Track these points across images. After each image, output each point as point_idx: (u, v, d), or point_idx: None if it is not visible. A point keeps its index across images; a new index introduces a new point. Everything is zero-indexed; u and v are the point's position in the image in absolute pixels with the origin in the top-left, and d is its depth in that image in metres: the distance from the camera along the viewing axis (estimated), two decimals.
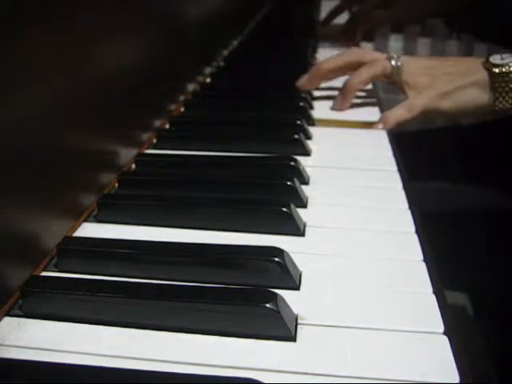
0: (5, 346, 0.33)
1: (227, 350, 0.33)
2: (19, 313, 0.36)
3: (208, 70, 0.87)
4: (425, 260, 0.41)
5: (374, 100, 0.80)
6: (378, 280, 0.39)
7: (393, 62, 0.72)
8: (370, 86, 0.85)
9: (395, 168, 0.57)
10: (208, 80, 0.86)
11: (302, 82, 0.78)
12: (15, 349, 0.33)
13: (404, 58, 0.74)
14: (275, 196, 0.48)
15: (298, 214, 0.46)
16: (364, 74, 0.73)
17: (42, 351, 0.32)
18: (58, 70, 0.41)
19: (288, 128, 0.64)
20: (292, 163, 0.54)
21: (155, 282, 0.37)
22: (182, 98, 0.73)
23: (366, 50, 0.80)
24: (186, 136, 0.63)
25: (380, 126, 0.70)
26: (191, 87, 0.78)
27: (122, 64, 0.53)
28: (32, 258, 0.39)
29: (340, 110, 0.76)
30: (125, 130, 0.55)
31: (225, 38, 1.00)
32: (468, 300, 0.88)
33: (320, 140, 0.65)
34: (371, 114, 0.74)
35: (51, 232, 0.41)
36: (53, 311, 0.35)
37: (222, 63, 0.94)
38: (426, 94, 0.71)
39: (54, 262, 0.40)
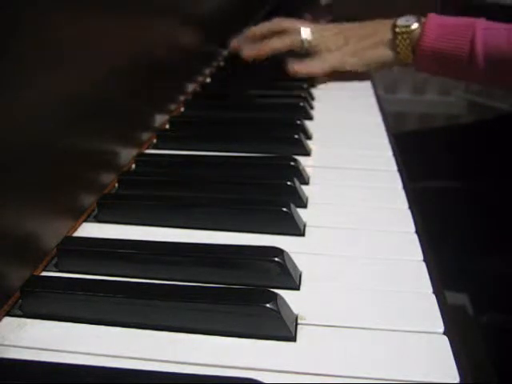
0: (5, 346, 0.33)
1: (227, 350, 0.33)
2: (19, 313, 0.36)
3: (208, 70, 0.88)
4: (425, 260, 0.41)
5: (373, 100, 0.80)
6: (377, 280, 0.39)
7: (303, 36, 0.83)
8: (369, 86, 0.85)
9: (395, 168, 0.57)
10: (208, 80, 0.86)
11: (234, 42, 0.90)
12: (15, 349, 0.33)
13: (314, 27, 0.84)
14: (275, 196, 0.48)
15: (298, 213, 0.46)
16: (275, 42, 0.84)
17: (41, 351, 0.33)
18: (58, 70, 0.41)
19: (288, 128, 0.64)
20: (292, 163, 0.54)
21: (155, 282, 0.37)
22: (182, 98, 0.73)
23: (285, 20, 0.87)
24: (186, 136, 0.63)
25: (290, 68, 0.82)
26: (191, 87, 0.78)
27: (122, 64, 0.53)
28: (32, 258, 0.39)
29: (244, 53, 0.86)
30: (125, 130, 0.55)
31: (225, 38, 1.00)
32: (468, 300, 0.88)
33: (320, 140, 0.65)
34: (371, 113, 0.74)
35: (51, 232, 0.41)
36: (53, 311, 0.35)
37: (222, 63, 0.94)
38: (335, 54, 0.82)
39: (54, 261, 0.41)
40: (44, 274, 0.40)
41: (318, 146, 0.63)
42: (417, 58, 0.79)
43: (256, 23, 0.91)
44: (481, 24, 0.75)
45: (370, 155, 0.60)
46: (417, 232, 0.45)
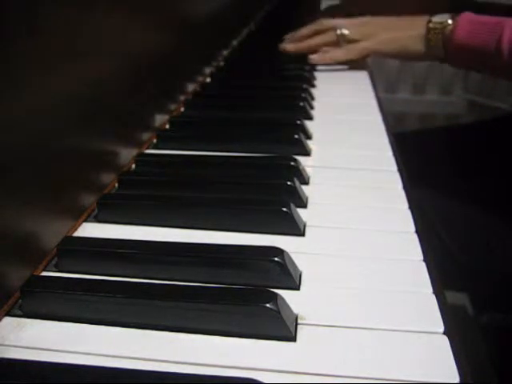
0: (5, 346, 0.33)
1: (227, 349, 0.33)
2: (19, 313, 0.36)
3: (208, 70, 0.88)
4: (425, 260, 0.41)
5: (373, 100, 0.80)
6: (378, 280, 0.39)
7: (338, 32, 0.92)
8: (369, 86, 0.86)
9: (395, 168, 0.57)
10: (208, 80, 0.86)
11: (284, 47, 0.99)
12: (15, 349, 0.33)
13: (353, 21, 0.93)
14: (275, 196, 0.48)
15: (298, 213, 0.46)
16: (316, 40, 0.95)
17: (41, 351, 0.33)
18: (58, 70, 0.41)
19: (288, 128, 0.64)
20: (292, 163, 0.54)
21: (155, 282, 0.37)
22: (182, 97, 0.73)
23: (328, 21, 0.97)
24: (186, 136, 0.63)
25: (316, 57, 0.93)
26: (191, 87, 0.78)
27: (122, 64, 0.53)
28: (32, 258, 0.39)
29: (287, 49, 0.97)
30: (125, 130, 0.55)
31: (225, 38, 1.00)
32: (468, 300, 0.88)
33: (320, 140, 0.65)
34: (371, 113, 0.74)
35: (51, 232, 0.41)
36: (53, 311, 0.35)
37: (222, 63, 0.94)
38: (370, 40, 0.90)
39: (54, 262, 0.41)
40: (44, 274, 0.40)
41: (318, 146, 0.63)
42: (448, 52, 0.84)
43: (256, 23, 0.93)
44: (510, 22, 0.78)
45: (369, 155, 0.60)
46: (417, 232, 0.45)
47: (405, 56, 0.92)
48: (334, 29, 0.92)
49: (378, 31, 0.90)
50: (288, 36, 1.01)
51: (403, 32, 0.89)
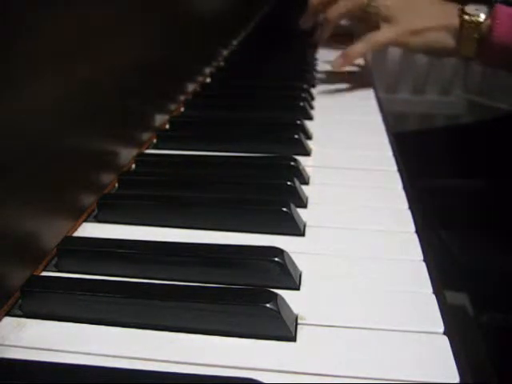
0: (5, 346, 0.33)
1: (227, 350, 0.33)
2: (19, 313, 0.36)
3: (208, 70, 0.88)
4: (425, 260, 0.41)
5: (373, 100, 0.80)
6: (378, 280, 0.39)
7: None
8: (369, 86, 0.85)
9: (395, 168, 0.57)
10: (208, 80, 0.86)
11: (303, 20, 0.95)
12: (15, 349, 0.33)
13: None
14: (275, 196, 0.48)
15: (298, 213, 0.46)
16: (340, 6, 0.83)
17: (42, 351, 0.33)
18: (58, 70, 0.41)
19: (288, 128, 0.64)
20: (292, 163, 0.54)
21: (155, 282, 0.37)
22: (182, 98, 0.73)
23: None
24: (186, 136, 0.63)
25: (340, 60, 0.80)
26: (191, 87, 0.78)
27: (122, 64, 0.53)
28: (32, 258, 0.39)
29: (321, 40, 0.91)
30: (125, 130, 0.55)
31: (225, 38, 1.00)
32: (468, 300, 0.88)
33: (320, 140, 0.65)
34: (371, 113, 0.74)
35: (51, 232, 0.41)
36: (53, 311, 0.35)
37: (222, 63, 0.94)
38: (395, 29, 0.77)
39: (54, 262, 0.41)
40: (44, 274, 0.40)
41: (318, 146, 0.63)
42: (484, 51, 0.75)
43: (256, 23, 0.92)
44: None
45: (370, 155, 0.60)
46: (417, 232, 0.45)
47: (431, 52, 0.80)
48: None
49: (409, 15, 0.77)
50: (303, 17, 0.94)
51: (434, 21, 0.76)
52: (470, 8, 0.75)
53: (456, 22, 0.75)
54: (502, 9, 0.73)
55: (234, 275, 0.38)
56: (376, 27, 0.79)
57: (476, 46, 0.75)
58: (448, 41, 0.76)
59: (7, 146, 0.35)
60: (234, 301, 0.34)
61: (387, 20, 0.78)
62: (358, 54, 0.80)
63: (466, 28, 0.74)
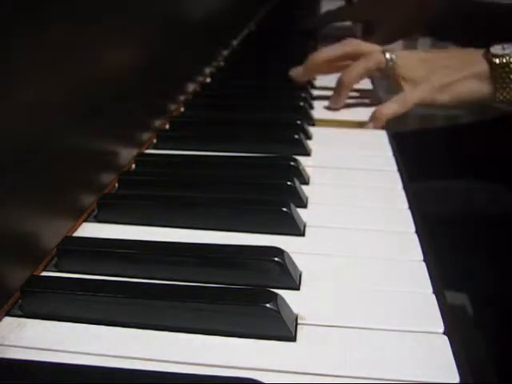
0: (5, 346, 0.33)
1: (227, 349, 0.33)
2: (19, 313, 0.36)
3: (208, 70, 0.88)
4: (425, 260, 0.41)
5: (374, 101, 0.80)
6: (378, 280, 0.39)
7: (387, 55, 0.71)
8: (370, 87, 0.85)
9: (395, 168, 0.57)
10: (208, 80, 0.86)
11: (297, 72, 0.78)
12: (15, 349, 0.33)
13: (400, 52, 0.73)
14: (275, 196, 0.48)
15: (298, 213, 0.46)
16: (358, 67, 0.72)
17: (42, 351, 0.32)
18: (58, 70, 0.41)
19: (288, 128, 0.64)
20: (292, 163, 0.54)
21: (155, 282, 0.37)
22: (182, 98, 0.73)
23: (361, 42, 0.77)
24: (186, 136, 0.63)
25: (371, 124, 0.69)
26: (191, 87, 0.78)
27: (122, 64, 0.53)
28: (32, 257, 0.39)
29: (336, 107, 0.75)
30: (125, 130, 0.55)
31: (225, 38, 1.00)
32: (468, 300, 0.88)
33: (320, 140, 0.65)
34: (371, 113, 0.74)
35: (51, 232, 0.41)
36: (53, 311, 0.35)
37: (222, 63, 0.94)
38: (422, 87, 0.70)
39: (54, 262, 0.40)
40: (44, 274, 0.40)
41: (318, 146, 0.63)
42: None
43: (256, 23, 0.91)
44: None
45: (369, 155, 0.60)
46: (417, 232, 0.45)
47: (465, 103, 0.72)
48: (379, 52, 0.72)
49: (429, 73, 0.71)
50: (305, 64, 0.78)
51: (459, 72, 0.70)
52: (496, 49, 0.68)
53: (484, 67, 0.69)
54: None
55: (234, 275, 0.38)
56: (397, 84, 0.73)
57: None
58: (478, 88, 0.70)
59: (7, 146, 0.35)
60: (233, 301, 0.34)
61: (410, 81, 0.71)
62: (389, 115, 0.70)
63: (497, 72, 0.67)
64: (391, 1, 1.05)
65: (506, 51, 0.67)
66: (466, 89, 0.70)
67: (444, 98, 0.70)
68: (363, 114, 0.74)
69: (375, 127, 0.69)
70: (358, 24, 1.20)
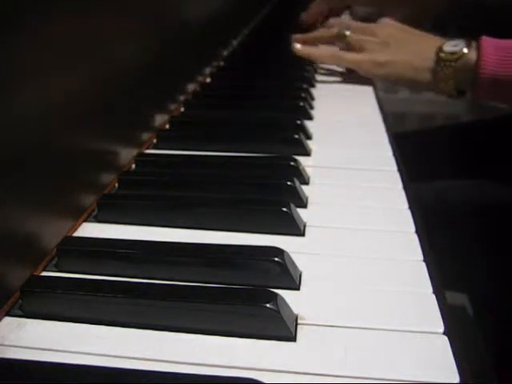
0: (5, 346, 0.33)
1: (227, 349, 0.33)
2: (19, 313, 0.36)
3: (208, 70, 0.88)
4: (425, 260, 0.41)
5: (373, 100, 0.80)
6: (377, 280, 0.39)
7: (340, 30, 0.85)
8: (370, 89, 0.85)
9: (395, 168, 0.57)
10: (208, 80, 0.86)
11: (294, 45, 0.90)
12: (15, 349, 0.33)
13: (360, 25, 0.86)
14: (275, 196, 0.48)
15: (298, 213, 0.46)
16: (321, 31, 0.92)
17: (42, 351, 0.33)
18: (58, 70, 0.41)
19: (288, 128, 0.64)
20: (292, 163, 0.54)
21: (155, 281, 0.37)
22: (182, 97, 0.73)
23: (336, 20, 0.95)
24: (186, 136, 0.63)
25: (298, 46, 0.87)
26: (191, 87, 0.78)
27: (122, 64, 0.53)
28: (32, 258, 0.39)
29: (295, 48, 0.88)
30: (125, 129, 0.55)
31: (225, 38, 1.00)
32: (468, 300, 0.88)
33: (320, 140, 0.65)
34: (371, 113, 0.74)
35: (51, 232, 0.41)
36: (53, 311, 0.35)
37: (222, 63, 0.94)
38: (364, 55, 0.80)
39: (54, 262, 0.41)
40: (44, 274, 0.40)
41: (318, 145, 0.63)
42: (476, 86, 0.73)
43: (256, 23, 0.92)
44: None
45: (369, 155, 0.60)
46: (417, 232, 0.45)
47: (398, 83, 0.82)
48: (339, 26, 0.86)
49: (378, 48, 0.80)
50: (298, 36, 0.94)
51: (405, 56, 0.77)
52: (448, 45, 0.74)
53: (432, 56, 0.74)
54: (486, 41, 0.72)
55: (234, 275, 0.38)
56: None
57: (452, 82, 0.74)
58: (418, 76, 0.76)
59: (7, 146, 0.35)
60: (233, 301, 0.34)
61: (360, 50, 0.82)
62: (319, 58, 0.87)
63: (441, 66, 0.73)
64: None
65: (456, 48, 0.73)
66: (406, 73, 0.77)
67: (382, 72, 0.79)
68: (363, 113, 0.74)
69: (299, 50, 0.86)
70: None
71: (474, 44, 0.73)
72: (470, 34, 0.76)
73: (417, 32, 0.81)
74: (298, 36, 0.93)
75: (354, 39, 0.84)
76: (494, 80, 0.71)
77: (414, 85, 0.81)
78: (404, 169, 0.57)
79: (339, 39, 0.86)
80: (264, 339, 0.33)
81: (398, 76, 0.78)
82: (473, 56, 0.72)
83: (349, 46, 0.84)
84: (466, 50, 0.72)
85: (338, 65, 0.88)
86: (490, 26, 0.87)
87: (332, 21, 0.93)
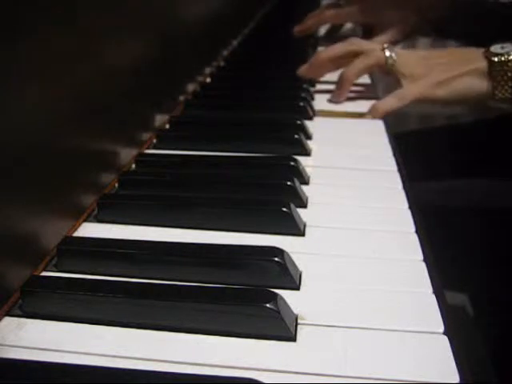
0: (5, 346, 0.33)
1: (227, 350, 0.33)
2: (19, 313, 0.36)
3: (208, 70, 0.88)
4: (425, 260, 0.41)
5: (373, 101, 0.79)
6: (378, 280, 0.39)
7: (387, 53, 0.74)
8: (368, 81, 0.85)
9: (395, 168, 0.57)
10: (208, 80, 0.86)
11: (303, 70, 0.81)
12: (15, 349, 0.33)
13: (399, 50, 0.75)
14: (275, 196, 0.48)
15: (298, 213, 0.46)
16: (359, 64, 0.75)
17: (42, 351, 0.33)
18: (58, 70, 0.41)
19: (288, 128, 0.64)
20: (292, 163, 0.54)
21: (155, 282, 0.37)
22: (182, 98, 0.73)
23: (362, 40, 0.81)
24: (186, 136, 0.63)
25: (369, 115, 0.72)
26: (191, 87, 0.78)
27: (122, 64, 0.53)
28: (32, 257, 0.39)
29: (338, 101, 0.78)
30: (125, 130, 0.55)
31: (225, 38, 1.00)
32: (468, 300, 0.88)
33: (320, 140, 0.65)
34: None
35: (51, 232, 0.41)
36: (53, 311, 0.35)
37: (222, 63, 0.94)
38: (420, 82, 0.72)
39: (54, 262, 0.41)
40: (44, 273, 0.40)
41: (318, 145, 0.63)
42: None
43: (256, 23, 0.91)
44: None
45: (369, 155, 0.60)
46: (417, 232, 0.45)
47: (463, 100, 0.74)
48: (379, 50, 0.74)
49: (427, 71, 0.72)
50: (309, 62, 0.82)
51: (459, 68, 0.71)
52: (496, 48, 0.70)
53: (483, 64, 0.70)
54: None
55: (233, 275, 0.38)
56: (397, 81, 0.74)
57: (510, 87, 0.69)
58: (477, 85, 0.71)
59: (7, 146, 0.35)
60: (233, 301, 0.34)
61: (409, 77, 0.73)
62: (387, 109, 0.73)
63: (496, 69, 0.69)
64: (390, 3, 1.05)
65: (505, 50, 0.69)
66: (464, 85, 0.71)
67: (442, 93, 0.72)
68: (363, 107, 0.74)
69: (373, 118, 0.72)
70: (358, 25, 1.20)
71: None
72: (474, 39, 0.75)
73: (442, 49, 0.78)
74: (309, 71, 0.81)
75: (403, 66, 0.73)
76: None
77: (476, 97, 0.73)
78: (404, 169, 0.57)
79: (390, 64, 0.74)
80: (264, 339, 0.33)
81: (462, 90, 0.72)
82: None
83: (395, 72, 0.74)
84: None
85: (403, 107, 0.74)
86: (493, 31, 0.87)
87: (365, 45, 0.79)
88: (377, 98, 0.78)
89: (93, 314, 0.35)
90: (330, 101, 0.78)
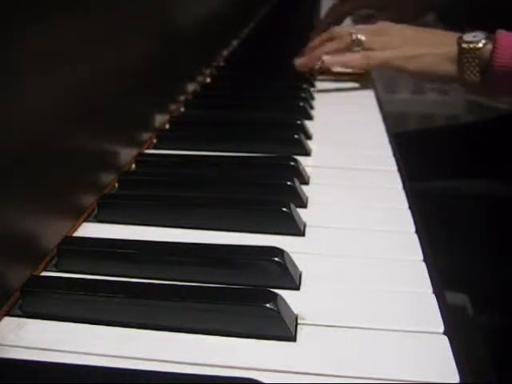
0: (5, 345, 0.33)
1: (227, 349, 0.33)
2: (19, 313, 0.36)
3: (208, 70, 0.88)
4: (425, 260, 0.41)
5: (373, 100, 0.80)
6: (377, 280, 0.39)
7: (353, 36, 0.81)
8: (369, 85, 0.85)
9: (395, 168, 0.57)
10: (208, 80, 0.86)
11: (299, 62, 0.87)
12: (15, 349, 0.33)
13: (370, 28, 0.83)
14: (275, 196, 0.48)
15: (298, 213, 0.46)
16: (328, 48, 0.84)
17: (42, 351, 0.32)
18: (58, 70, 0.41)
19: (288, 128, 0.64)
20: (292, 163, 0.54)
21: (155, 282, 0.37)
22: (181, 98, 0.73)
23: (337, 28, 0.89)
24: (186, 136, 0.63)
25: (327, 58, 0.82)
26: (191, 87, 0.78)
27: (122, 64, 0.53)
28: (32, 257, 0.39)
29: (298, 64, 0.86)
30: (125, 130, 0.55)
31: (225, 38, 1.00)
32: (468, 300, 0.88)
33: (320, 140, 0.65)
34: (371, 113, 0.74)
35: (51, 232, 0.41)
36: (53, 311, 0.35)
37: (222, 63, 0.94)
38: (391, 51, 0.79)
39: (54, 262, 0.41)
40: (44, 273, 0.40)
41: (318, 145, 0.63)
42: (488, 78, 0.74)
43: (256, 23, 0.91)
44: None
45: (369, 155, 0.60)
46: (417, 232, 0.45)
47: (430, 77, 0.81)
48: (349, 34, 0.82)
49: (401, 44, 0.79)
50: (304, 56, 0.88)
51: (430, 49, 0.77)
52: (468, 36, 0.75)
53: (453, 49, 0.76)
54: (504, 35, 0.73)
55: (233, 275, 0.38)
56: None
57: (478, 72, 0.74)
58: (447, 67, 0.77)
59: (7, 146, 0.35)
60: (233, 301, 0.34)
61: (377, 50, 0.80)
62: (353, 64, 0.82)
63: (466, 56, 0.74)
64: None
65: (476, 38, 0.74)
66: (432, 64, 0.77)
67: (409, 66, 0.78)
68: (363, 114, 0.74)
69: (330, 63, 0.83)
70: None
71: (491, 36, 0.74)
72: (477, 26, 0.77)
73: (424, 28, 0.82)
74: (300, 61, 0.88)
75: (373, 41, 0.81)
76: (506, 73, 0.72)
77: (443, 77, 0.80)
78: (404, 169, 0.57)
79: (356, 45, 0.81)
80: (264, 339, 0.33)
81: (430, 68, 0.78)
82: (488, 48, 0.73)
83: (369, 50, 0.81)
84: (483, 42, 0.73)
85: (368, 66, 0.83)
86: (493, 18, 0.88)
87: (337, 30, 0.87)
88: (377, 104, 0.78)
89: (93, 314, 0.35)
90: (329, 106, 0.79)
